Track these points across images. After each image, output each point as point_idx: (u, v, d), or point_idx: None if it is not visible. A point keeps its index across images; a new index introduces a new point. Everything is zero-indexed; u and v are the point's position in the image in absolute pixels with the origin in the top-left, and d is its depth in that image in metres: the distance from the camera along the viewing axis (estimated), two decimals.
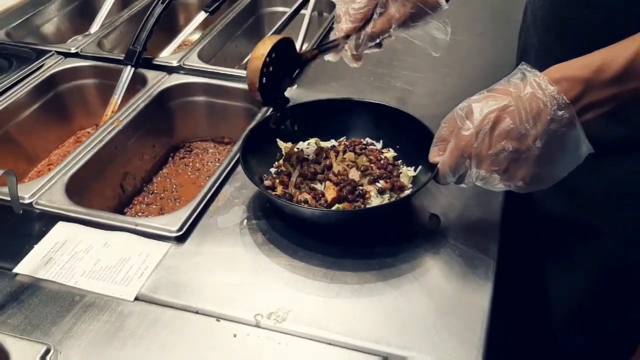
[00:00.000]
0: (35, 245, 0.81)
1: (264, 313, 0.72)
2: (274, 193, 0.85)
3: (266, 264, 0.80)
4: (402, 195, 0.84)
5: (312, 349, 0.69)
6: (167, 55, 1.35)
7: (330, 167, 0.87)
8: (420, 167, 0.87)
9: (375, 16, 0.80)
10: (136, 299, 0.75)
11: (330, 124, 0.94)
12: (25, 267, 0.79)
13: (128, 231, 0.83)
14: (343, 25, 0.81)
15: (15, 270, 0.78)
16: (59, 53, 1.25)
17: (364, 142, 0.94)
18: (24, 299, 0.75)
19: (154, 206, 1.08)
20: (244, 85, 1.13)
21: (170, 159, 1.19)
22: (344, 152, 0.90)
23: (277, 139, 0.93)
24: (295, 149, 0.92)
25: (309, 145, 0.93)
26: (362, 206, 0.82)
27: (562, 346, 1.07)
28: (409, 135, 0.89)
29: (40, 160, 1.18)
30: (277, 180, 0.87)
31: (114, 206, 1.04)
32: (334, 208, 0.82)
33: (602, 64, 0.64)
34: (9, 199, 0.80)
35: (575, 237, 0.96)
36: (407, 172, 0.88)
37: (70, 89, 1.24)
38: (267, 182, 0.88)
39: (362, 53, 0.84)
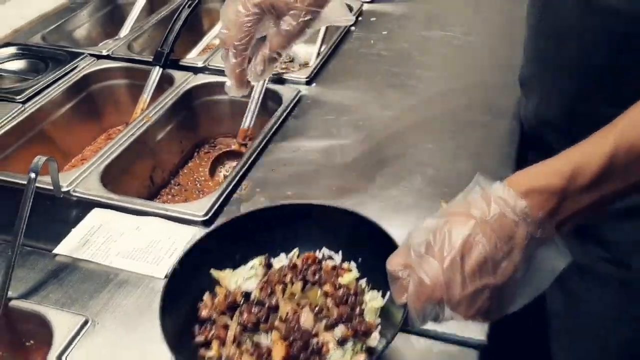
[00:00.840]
0: (72, 229, 0.88)
1: None
2: (206, 356, 0.66)
3: None
4: (368, 341, 0.65)
5: None
6: (193, 56, 1.42)
7: (276, 309, 0.68)
8: (389, 293, 0.64)
9: (268, 37, 0.75)
10: (166, 276, 0.81)
11: (280, 234, 0.75)
12: (64, 248, 0.85)
13: (158, 216, 0.90)
14: (232, 61, 0.74)
15: (55, 251, 0.85)
16: (91, 55, 1.33)
17: (319, 257, 0.74)
18: (63, 277, 0.82)
19: (179, 197, 1.14)
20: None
21: (195, 153, 1.26)
22: (292, 282, 0.70)
23: (211, 269, 0.72)
24: (235, 283, 0.72)
25: (252, 269, 0.74)
26: None
27: None
28: (372, 244, 0.69)
29: (74, 156, 1.25)
30: (211, 333, 0.67)
31: (143, 197, 1.10)
32: None
33: (575, 168, 0.55)
34: (48, 187, 0.87)
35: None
36: (373, 304, 0.68)
37: (102, 89, 1.31)
38: (199, 338, 0.67)
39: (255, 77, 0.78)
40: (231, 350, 0.65)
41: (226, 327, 0.67)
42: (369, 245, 0.69)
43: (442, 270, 0.55)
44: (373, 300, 0.69)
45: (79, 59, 1.31)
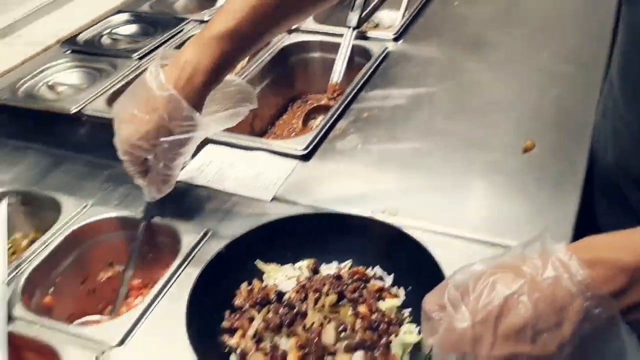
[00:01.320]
0: (191, 160, 1.00)
1: (378, 210, 0.86)
2: (227, 342, 0.69)
3: (378, 177, 0.94)
4: None
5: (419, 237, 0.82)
6: None
7: (304, 315, 0.68)
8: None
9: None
10: (273, 199, 0.91)
11: (337, 242, 0.76)
12: (184, 176, 0.97)
13: (263, 150, 1.00)
14: (139, 182, 0.81)
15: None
16: (194, 21, 1.45)
17: (369, 274, 0.74)
18: (185, 199, 0.93)
19: None
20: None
21: (289, 107, 1.36)
22: (327, 293, 0.70)
23: (257, 260, 0.76)
24: (273, 281, 0.74)
25: (299, 269, 0.76)
26: None
27: None
28: (424, 274, 0.67)
29: None
30: (237, 323, 0.69)
31: None
32: None
33: None
34: None
35: None
36: (405, 338, 0.65)
37: None
38: (226, 324, 0.70)
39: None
40: (249, 344, 0.67)
41: (251, 320, 0.69)
42: (422, 276, 0.66)
43: (472, 323, 0.50)
44: (407, 334, 0.66)
45: (184, 23, 1.43)
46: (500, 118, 1.04)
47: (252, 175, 0.96)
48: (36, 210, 0.96)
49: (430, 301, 0.55)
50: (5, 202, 0.78)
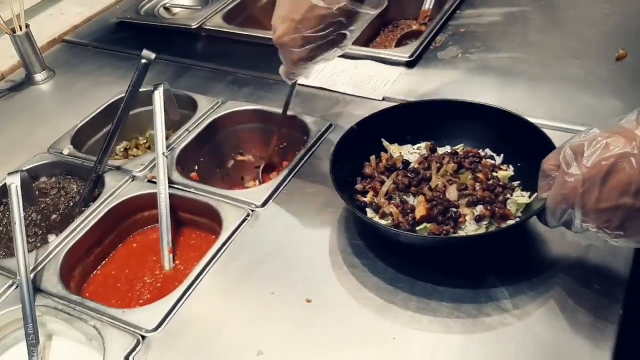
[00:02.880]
0: None
1: None
2: (362, 199, 0.80)
3: (478, 81, 1.03)
4: (503, 225, 0.72)
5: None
6: None
7: (428, 180, 0.78)
8: (536, 194, 0.69)
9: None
10: (383, 99, 1.01)
11: (449, 128, 0.85)
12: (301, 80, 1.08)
13: (372, 59, 1.10)
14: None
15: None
16: None
17: (482, 154, 0.83)
18: (308, 98, 1.04)
19: None
20: None
21: (381, 32, 1.45)
22: (448, 162, 0.80)
23: (382, 139, 0.86)
24: (399, 153, 0.84)
25: (418, 149, 0.85)
26: (452, 230, 0.72)
27: None
28: (533, 152, 0.72)
29: None
30: (369, 186, 0.80)
31: None
32: (420, 227, 0.73)
33: None
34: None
35: None
36: (518, 199, 0.75)
37: None
38: (358, 186, 0.81)
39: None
40: (382, 200, 0.77)
41: (382, 182, 0.79)
42: (531, 153, 0.72)
43: (582, 179, 0.57)
44: (519, 197, 0.76)
45: None
46: (592, 31, 1.10)
47: (362, 79, 1.06)
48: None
49: (548, 161, 0.63)
50: (161, 87, 0.91)
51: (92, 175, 0.90)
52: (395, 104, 0.93)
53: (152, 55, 0.89)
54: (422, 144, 0.86)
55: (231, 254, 0.78)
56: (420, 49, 1.11)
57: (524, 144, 0.78)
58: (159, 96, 0.91)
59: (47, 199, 0.94)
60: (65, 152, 0.98)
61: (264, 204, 0.84)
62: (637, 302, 0.70)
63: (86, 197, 0.90)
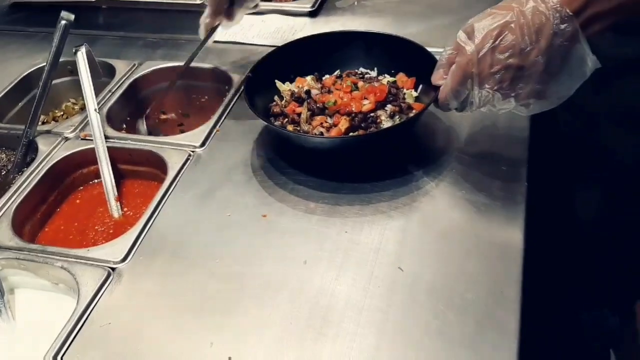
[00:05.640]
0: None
1: None
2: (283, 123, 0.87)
3: (377, 23, 1.14)
4: (411, 115, 0.84)
5: None
6: None
7: (335, 102, 0.85)
8: (420, 87, 0.88)
9: None
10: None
11: (320, 61, 0.94)
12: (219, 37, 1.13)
13: (277, 12, 1.19)
14: None
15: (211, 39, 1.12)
16: None
17: (359, 72, 0.94)
18: (223, 51, 1.10)
19: None
20: None
21: None
22: (343, 82, 0.89)
23: (276, 80, 0.93)
24: (299, 87, 0.91)
25: (308, 82, 0.93)
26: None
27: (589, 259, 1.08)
28: (403, 59, 0.89)
29: None
30: (285, 120, 0.87)
31: None
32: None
33: None
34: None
35: (590, 156, 0.97)
36: (411, 93, 0.88)
37: None
38: (277, 123, 0.87)
39: None
40: (305, 126, 0.85)
41: (295, 111, 0.86)
42: (402, 59, 0.89)
43: (475, 50, 0.66)
44: (410, 92, 0.88)
45: None
46: None
47: (271, 31, 1.14)
48: None
49: (447, 51, 0.72)
50: (83, 48, 0.92)
51: (24, 140, 0.91)
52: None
53: (72, 16, 0.91)
54: (309, 77, 0.94)
55: (183, 188, 0.83)
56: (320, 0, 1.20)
57: (390, 53, 0.92)
58: (82, 57, 0.93)
59: None
60: None
61: (202, 144, 0.90)
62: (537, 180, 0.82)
63: (19, 163, 0.91)
